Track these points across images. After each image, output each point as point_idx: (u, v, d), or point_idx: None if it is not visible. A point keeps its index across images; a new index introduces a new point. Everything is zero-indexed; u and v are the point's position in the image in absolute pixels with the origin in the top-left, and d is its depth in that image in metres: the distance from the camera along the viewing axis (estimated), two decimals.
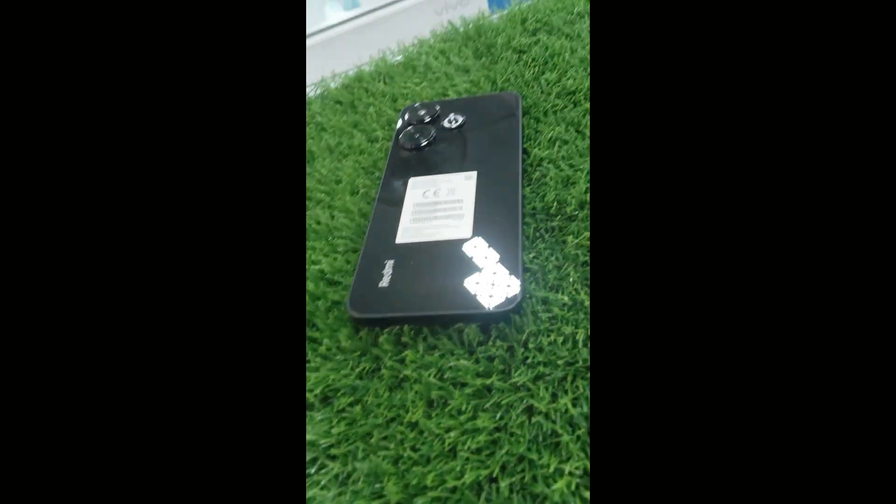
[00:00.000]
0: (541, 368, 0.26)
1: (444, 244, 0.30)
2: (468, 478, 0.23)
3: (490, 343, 0.28)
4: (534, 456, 0.23)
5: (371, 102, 0.48)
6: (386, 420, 0.26)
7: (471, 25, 0.54)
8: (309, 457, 0.26)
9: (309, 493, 0.24)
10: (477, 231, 0.30)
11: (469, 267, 0.29)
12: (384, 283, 0.29)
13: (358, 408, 0.27)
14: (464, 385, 0.27)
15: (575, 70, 0.44)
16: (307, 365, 0.29)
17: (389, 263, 0.29)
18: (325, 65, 0.62)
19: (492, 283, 0.28)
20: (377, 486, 0.24)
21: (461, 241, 0.30)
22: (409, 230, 0.31)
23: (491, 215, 0.31)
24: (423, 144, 0.38)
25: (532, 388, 0.26)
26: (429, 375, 0.27)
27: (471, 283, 0.28)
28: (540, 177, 0.36)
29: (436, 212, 0.32)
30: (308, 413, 0.27)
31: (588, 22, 0.50)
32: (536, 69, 0.45)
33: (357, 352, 0.29)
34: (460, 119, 0.39)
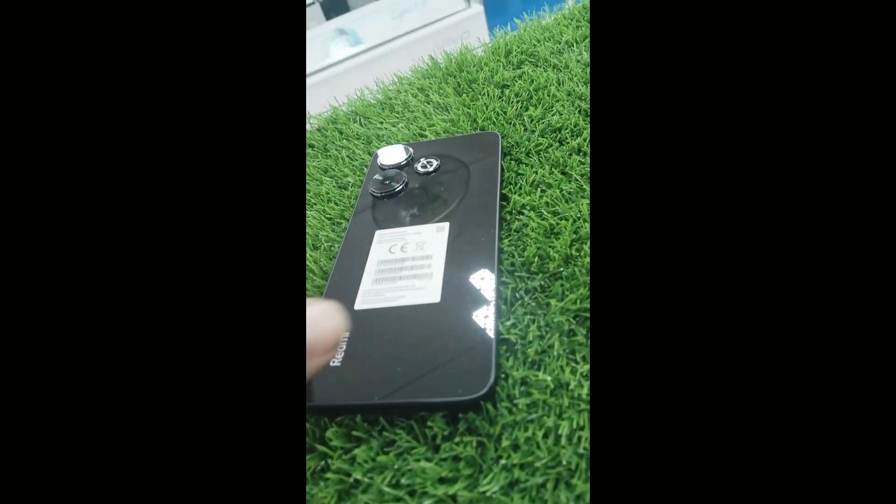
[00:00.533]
0: (517, 472, 0.21)
1: (407, 311, 0.26)
2: None
3: (457, 438, 0.23)
4: None
5: (344, 145, 0.44)
6: None
7: (452, 61, 0.50)
8: None
9: None
10: (446, 295, 0.26)
11: (435, 341, 0.24)
12: (336, 360, 0.24)
13: None
14: (423, 494, 0.22)
15: (561, 104, 0.40)
16: None
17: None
18: (326, 102, 0.59)
19: (461, 362, 0.23)
20: None
21: (428, 308, 0.26)
22: (370, 293, 0.27)
23: (463, 275, 0.27)
24: (393, 192, 0.34)
25: (504, 500, 0.21)
26: (382, 481, 0.22)
27: (436, 363, 0.24)
28: (520, 227, 0.31)
29: (402, 270, 0.28)
30: None
31: (577, 51, 0.46)
32: (520, 105, 0.41)
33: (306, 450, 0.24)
34: (434, 163, 0.35)
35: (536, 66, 0.46)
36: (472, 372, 0.23)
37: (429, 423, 0.23)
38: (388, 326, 0.26)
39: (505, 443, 0.22)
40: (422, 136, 0.42)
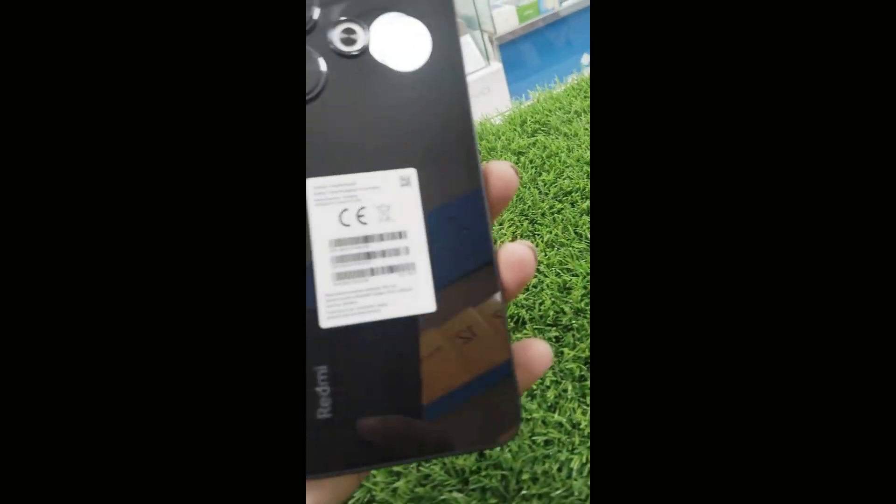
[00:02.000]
0: (535, 502, 0.25)
1: (397, 327, 0.17)
2: None
3: (483, 472, 0.26)
4: None
5: None
6: None
7: None
8: None
9: None
10: (443, 299, 0.18)
11: (441, 372, 0.17)
12: (325, 412, 0.17)
13: None
14: None
15: (572, 170, 0.44)
16: None
17: (321, 372, 0.17)
18: None
19: (484, 403, 0.17)
20: None
21: (424, 321, 0.17)
22: (336, 300, 0.17)
23: (456, 267, 0.18)
24: (311, 94, 0.18)
25: None
26: None
27: (454, 405, 0.17)
28: (537, 283, 0.36)
29: (370, 259, 0.18)
30: None
31: (585, 120, 0.51)
32: (534, 170, 0.46)
33: None
34: (359, 34, 0.19)
35: (548, 134, 0.51)
36: (498, 416, 0.17)
37: (459, 461, 0.27)
38: (375, 351, 0.17)
39: (525, 476, 0.26)
40: None
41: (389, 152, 0.18)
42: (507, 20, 1.83)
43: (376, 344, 0.17)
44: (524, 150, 0.49)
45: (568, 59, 1.98)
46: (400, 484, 0.27)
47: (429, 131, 0.18)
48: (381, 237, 0.18)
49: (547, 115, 0.53)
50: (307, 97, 0.18)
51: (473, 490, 0.26)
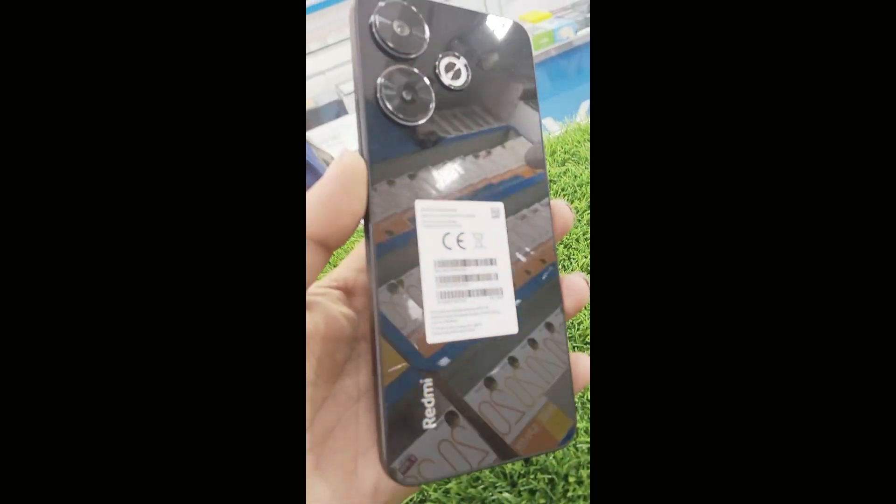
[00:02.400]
0: (580, 503, 0.27)
1: (486, 347, 0.19)
2: None
3: (531, 475, 0.29)
4: None
5: None
6: None
7: None
8: None
9: None
10: (522, 323, 0.20)
11: (521, 385, 0.20)
12: (430, 422, 0.18)
13: None
14: None
15: None
16: None
17: (427, 385, 0.18)
18: None
19: (549, 411, 0.20)
20: None
21: (507, 342, 0.20)
22: (440, 318, 0.19)
23: (532, 295, 0.20)
24: (421, 117, 0.19)
25: None
26: None
27: (527, 412, 0.19)
28: None
29: (467, 282, 0.19)
30: None
31: None
32: (566, 197, 0.49)
33: None
34: (462, 69, 0.20)
35: (578, 163, 0.54)
36: (558, 421, 0.20)
37: (508, 466, 0.29)
38: (470, 367, 0.19)
39: (571, 479, 0.28)
40: None
41: (483, 185, 0.20)
42: None
43: (470, 360, 0.19)
44: (555, 179, 0.52)
45: (578, 87, 2.03)
46: (452, 485, 0.29)
47: (515, 170, 0.21)
48: (477, 262, 0.20)
49: (576, 145, 0.56)
50: (417, 122, 0.19)
51: (522, 492, 0.28)
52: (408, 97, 0.19)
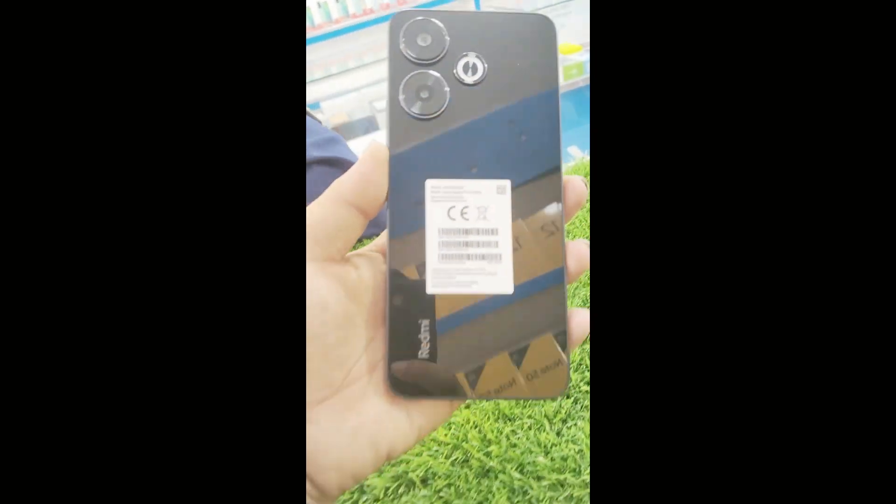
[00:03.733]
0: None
1: (481, 302, 0.22)
2: None
3: (563, 442, 0.33)
4: None
5: None
6: (476, 502, 0.31)
7: None
8: None
9: None
10: (518, 286, 0.23)
11: (512, 337, 0.22)
12: (423, 352, 0.22)
13: (452, 490, 0.32)
14: (541, 478, 0.32)
15: None
16: (410, 451, 0.35)
17: (425, 325, 0.22)
18: None
19: (541, 363, 0.22)
20: None
21: (502, 299, 0.23)
22: (440, 274, 0.22)
23: (531, 264, 0.23)
24: (437, 112, 0.23)
25: None
26: (512, 468, 0.33)
27: (519, 361, 0.22)
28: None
29: (467, 247, 0.23)
30: (411, 491, 0.33)
31: None
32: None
33: (450, 444, 0.35)
34: (479, 67, 0.24)
35: None
36: (550, 369, 0.22)
37: (542, 435, 0.34)
38: (465, 317, 0.22)
39: None
40: None
41: (491, 166, 0.23)
42: None
43: (465, 309, 0.22)
44: None
45: None
46: (493, 448, 0.34)
47: (524, 152, 0.23)
48: (478, 231, 0.23)
49: None
50: (432, 116, 0.23)
51: (554, 458, 0.33)
52: (425, 95, 0.23)
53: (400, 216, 0.22)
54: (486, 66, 0.23)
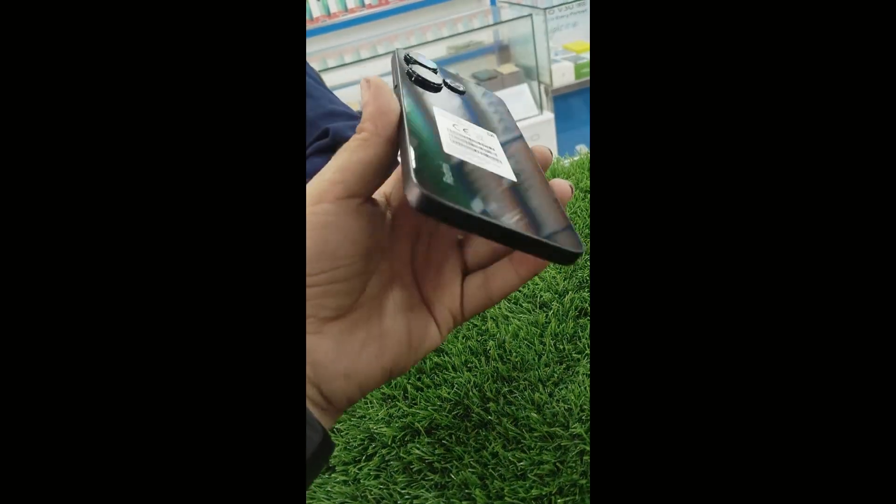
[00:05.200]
0: (590, 424, 0.35)
1: (493, 176, 0.24)
2: (534, 492, 0.32)
3: (554, 402, 0.37)
4: (584, 482, 0.32)
5: None
6: (474, 448, 0.36)
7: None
8: (416, 468, 0.35)
9: (415, 493, 0.34)
10: (520, 179, 0.25)
11: (528, 204, 0.23)
12: (448, 178, 0.21)
13: (454, 438, 0.36)
14: (533, 430, 0.36)
15: None
16: (416, 405, 0.39)
17: (446, 167, 0.22)
18: None
19: (557, 227, 0.22)
20: (466, 492, 0.33)
21: (509, 181, 0.24)
22: (453, 148, 0.24)
23: (525, 181, 0.25)
24: (435, 84, 0.29)
25: (585, 437, 0.35)
26: (507, 422, 0.37)
27: (538, 218, 0.22)
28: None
29: (472, 145, 0.25)
30: (416, 438, 0.37)
31: None
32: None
33: (452, 401, 0.39)
34: (460, 86, 0.31)
35: None
36: (568, 237, 0.22)
37: (535, 395, 0.38)
38: (482, 176, 0.23)
39: (586, 407, 0.36)
40: None
41: (482, 123, 0.28)
42: (563, 75, 1.98)
43: (482, 175, 0.23)
44: (590, 190, 0.61)
45: None
46: (491, 404, 0.38)
47: (503, 124, 0.30)
48: (480, 142, 0.26)
49: None
50: (432, 85, 0.28)
51: (545, 414, 0.37)
52: (427, 77, 0.28)
53: (415, 120, 0.24)
54: (466, 91, 0.32)
